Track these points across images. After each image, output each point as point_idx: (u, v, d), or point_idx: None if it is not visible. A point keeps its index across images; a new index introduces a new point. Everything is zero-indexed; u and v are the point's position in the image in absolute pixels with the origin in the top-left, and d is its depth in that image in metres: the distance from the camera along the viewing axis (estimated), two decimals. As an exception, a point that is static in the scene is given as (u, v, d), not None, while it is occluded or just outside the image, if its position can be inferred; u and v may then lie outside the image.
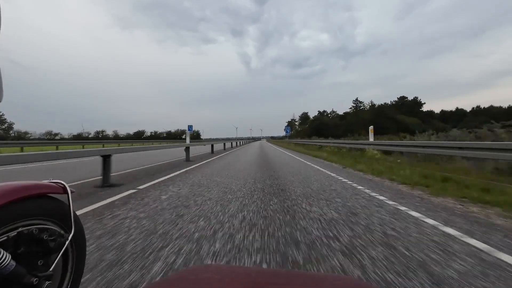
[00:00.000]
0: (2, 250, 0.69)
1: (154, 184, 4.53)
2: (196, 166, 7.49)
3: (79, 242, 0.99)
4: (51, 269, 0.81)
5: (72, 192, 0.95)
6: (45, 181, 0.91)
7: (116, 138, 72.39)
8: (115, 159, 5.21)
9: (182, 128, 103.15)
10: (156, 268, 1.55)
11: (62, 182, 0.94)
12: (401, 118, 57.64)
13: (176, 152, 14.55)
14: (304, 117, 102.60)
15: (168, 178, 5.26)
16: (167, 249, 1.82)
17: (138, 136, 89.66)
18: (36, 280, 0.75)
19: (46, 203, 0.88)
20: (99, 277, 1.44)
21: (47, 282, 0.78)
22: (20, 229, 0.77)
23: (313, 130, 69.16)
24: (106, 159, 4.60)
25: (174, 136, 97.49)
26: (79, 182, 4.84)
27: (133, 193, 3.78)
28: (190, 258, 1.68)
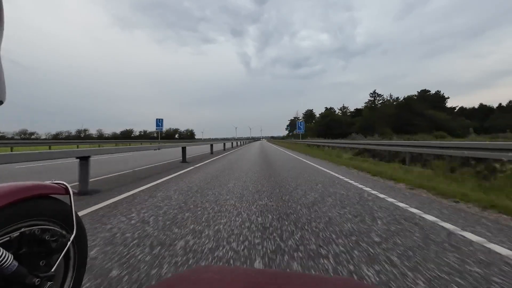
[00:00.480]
0: (4, 251, 0.69)
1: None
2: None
3: (81, 242, 1.00)
4: (53, 270, 0.82)
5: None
6: (47, 182, 0.91)
7: (100, 138, 66.05)
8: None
9: (174, 127, 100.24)
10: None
11: (64, 183, 0.95)
12: (430, 113, 47.29)
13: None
14: (309, 114, 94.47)
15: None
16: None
17: (127, 135, 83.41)
18: (38, 281, 0.75)
19: (48, 204, 0.89)
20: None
21: (49, 283, 0.78)
22: (22, 230, 0.78)
23: (322, 128, 62.42)
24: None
25: (166, 136, 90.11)
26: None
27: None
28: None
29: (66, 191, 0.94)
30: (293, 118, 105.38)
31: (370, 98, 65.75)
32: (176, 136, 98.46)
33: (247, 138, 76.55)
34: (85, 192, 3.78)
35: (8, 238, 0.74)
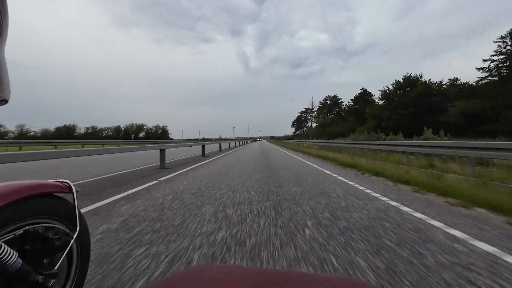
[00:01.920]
0: (9, 248, 0.70)
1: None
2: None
3: (84, 241, 1.00)
4: (56, 267, 0.83)
5: (77, 191, 0.96)
6: (51, 181, 0.92)
7: (21, 137, 45.74)
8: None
9: (138, 122, 71.30)
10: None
11: (68, 182, 0.95)
12: None
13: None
14: (331, 102, 63.99)
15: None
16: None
17: (66, 133, 53.65)
18: (41, 278, 0.76)
19: (52, 202, 0.90)
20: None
21: (52, 280, 0.79)
22: (26, 228, 0.79)
23: (406, 111, 33.70)
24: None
25: (126, 135, 62.13)
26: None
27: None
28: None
29: (69, 190, 0.95)
30: (305, 109, 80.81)
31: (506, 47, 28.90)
32: (141, 135, 70.59)
33: (244, 138, 62.93)
34: None
35: (12, 236, 0.75)
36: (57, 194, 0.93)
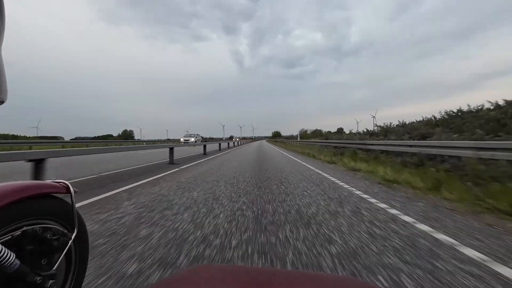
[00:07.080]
0: (6, 249, 0.69)
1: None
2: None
3: (82, 241, 1.00)
4: (54, 268, 0.82)
5: (75, 191, 0.96)
6: (49, 181, 0.92)
7: None
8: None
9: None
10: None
11: (66, 182, 0.95)
12: None
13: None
14: None
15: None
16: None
17: None
18: (39, 279, 0.76)
19: (50, 203, 0.90)
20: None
21: (50, 281, 0.79)
22: (24, 228, 0.78)
23: None
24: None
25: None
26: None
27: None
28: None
29: (67, 190, 0.94)
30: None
31: None
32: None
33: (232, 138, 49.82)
34: None
35: (10, 237, 0.75)
36: (55, 194, 0.92)
